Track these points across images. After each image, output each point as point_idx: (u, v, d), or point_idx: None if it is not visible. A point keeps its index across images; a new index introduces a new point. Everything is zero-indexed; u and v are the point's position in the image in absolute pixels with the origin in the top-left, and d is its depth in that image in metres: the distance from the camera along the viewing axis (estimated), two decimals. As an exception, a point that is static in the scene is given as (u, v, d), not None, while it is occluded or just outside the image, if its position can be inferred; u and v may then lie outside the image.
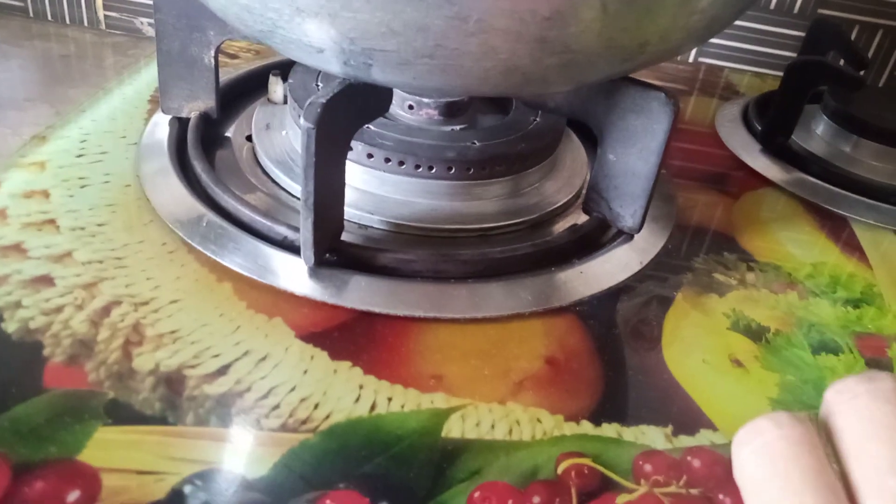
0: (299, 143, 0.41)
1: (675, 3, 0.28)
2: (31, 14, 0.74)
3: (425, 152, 0.38)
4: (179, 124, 0.42)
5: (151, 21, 0.69)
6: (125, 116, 0.45)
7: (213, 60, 0.41)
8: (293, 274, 0.34)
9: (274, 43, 0.31)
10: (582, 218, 0.40)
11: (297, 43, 0.29)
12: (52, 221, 0.36)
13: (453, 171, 0.38)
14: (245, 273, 0.34)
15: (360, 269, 0.35)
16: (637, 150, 0.36)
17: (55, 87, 0.66)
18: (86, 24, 0.74)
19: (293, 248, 0.35)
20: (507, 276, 0.35)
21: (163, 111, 0.42)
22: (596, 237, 0.40)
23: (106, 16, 0.73)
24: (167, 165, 0.39)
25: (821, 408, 0.22)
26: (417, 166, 0.38)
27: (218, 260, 0.34)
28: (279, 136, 0.42)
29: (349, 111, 0.32)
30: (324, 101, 0.30)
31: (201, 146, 0.41)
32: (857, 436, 0.21)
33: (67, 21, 0.74)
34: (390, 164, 0.38)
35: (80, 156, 0.41)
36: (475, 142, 0.39)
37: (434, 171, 0.38)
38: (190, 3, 0.39)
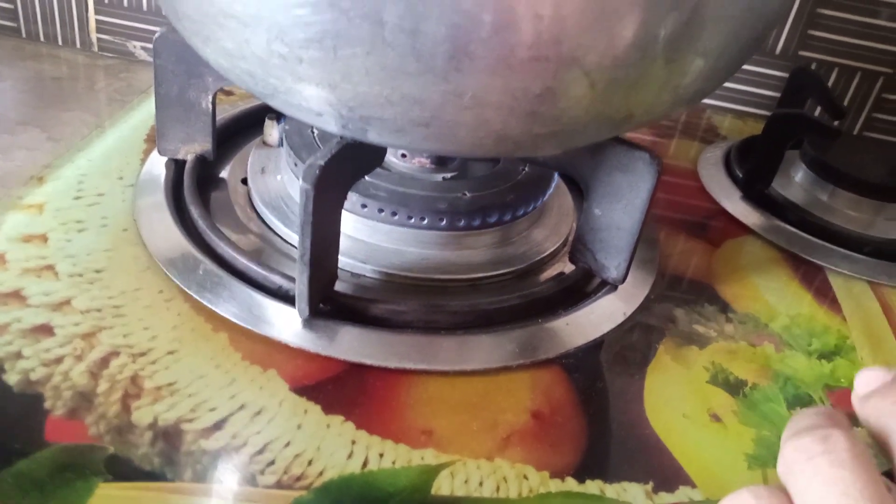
0: (294, 188, 0.42)
1: (660, 80, 0.29)
2: (24, 34, 0.74)
3: (418, 204, 0.39)
4: (176, 166, 0.43)
5: (144, 45, 0.70)
6: (121, 156, 0.46)
7: (210, 105, 0.42)
8: (287, 324, 0.35)
9: (274, 104, 0.32)
10: (568, 266, 0.42)
11: (296, 106, 0.31)
12: (50, 267, 0.36)
13: (445, 221, 0.39)
14: (240, 323, 0.35)
15: (352, 319, 0.36)
16: (622, 205, 0.38)
17: (47, 110, 0.66)
18: (78, 45, 0.74)
19: (288, 298, 0.36)
20: (495, 328, 0.37)
21: (159, 153, 0.43)
22: (581, 286, 0.41)
23: (98, 38, 0.73)
24: (164, 211, 0.40)
25: (779, 459, 0.23)
26: (410, 217, 0.39)
27: (213, 309, 0.35)
28: (274, 180, 0.43)
29: (346, 168, 0.33)
30: (322, 163, 0.31)
31: (197, 189, 0.41)
32: (815, 500, 0.22)
33: (60, 42, 0.74)
34: (383, 214, 0.39)
35: (77, 198, 0.41)
36: (466, 192, 0.40)
37: (426, 221, 0.39)
38: (189, 50, 0.40)
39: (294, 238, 0.40)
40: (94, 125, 0.63)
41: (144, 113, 0.51)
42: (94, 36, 0.73)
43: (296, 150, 0.41)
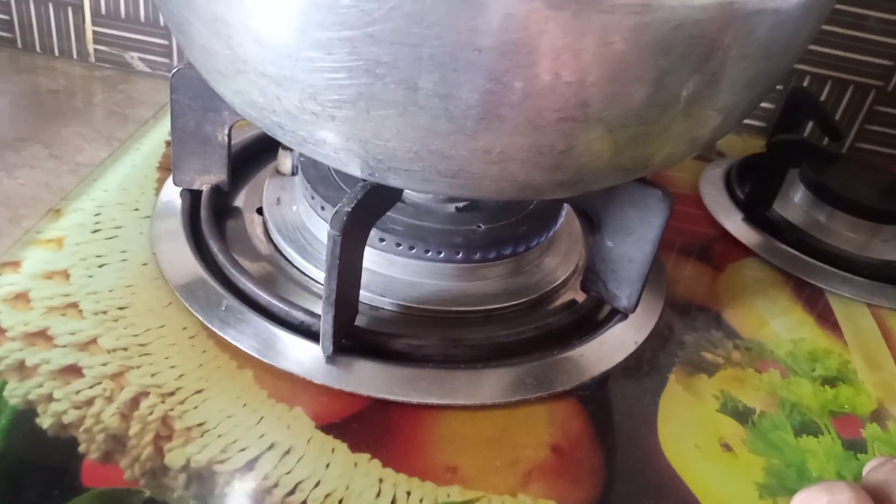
0: (310, 220, 0.42)
1: (680, 132, 0.30)
2: (20, 45, 0.74)
3: (434, 237, 0.39)
4: (191, 196, 0.44)
5: (142, 56, 0.70)
6: (136, 186, 0.46)
7: (226, 138, 0.42)
8: (311, 361, 0.36)
9: (301, 150, 0.33)
10: (580, 294, 0.43)
11: (324, 155, 0.31)
12: (74, 305, 0.37)
13: (460, 254, 0.40)
14: (264, 360, 0.35)
15: (373, 353, 0.36)
16: (634, 239, 0.39)
17: (47, 125, 0.66)
18: (75, 56, 0.74)
19: (310, 333, 0.36)
20: (511, 360, 0.38)
21: (175, 184, 0.44)
22: (593, 315, 0.42)
23: (95, 49, 0.73)
24: (183, 244, 0.41)
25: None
26: (427, 251, 0.40)
27: (237, 345, 0.36)
28: (290, 211, 0.44)
29: (370, 210, 0.34)
30: (350, 209, 0.31)
31: (214, 221, 0.42)
32: None
33: (56, 53, 0.74)
34: (401, 247, 0.39)
35: (95, 231, 0.42)
36: (480, 225, 0.41)
37: (442, 255, 0.40)
38: (207, 87, 0.40)
39: (311, 270, 0.41)
40: (94, 140, 0.63)
41: (155, 140, 0.52)
42: (91, 47, 0.73)
43: (312, 182, 0.42)
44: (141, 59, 0.71)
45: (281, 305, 0.37)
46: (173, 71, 0.40)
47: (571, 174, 0.30)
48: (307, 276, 0.41)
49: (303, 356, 0.36)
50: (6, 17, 0.72)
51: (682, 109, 0.28)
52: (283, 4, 0.26)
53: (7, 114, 0.66)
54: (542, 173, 0.30)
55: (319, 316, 0.34)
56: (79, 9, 0.70)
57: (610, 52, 0.25)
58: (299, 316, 0.37)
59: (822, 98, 0.66)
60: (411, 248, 0.39)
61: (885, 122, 0.69)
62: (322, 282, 0.39)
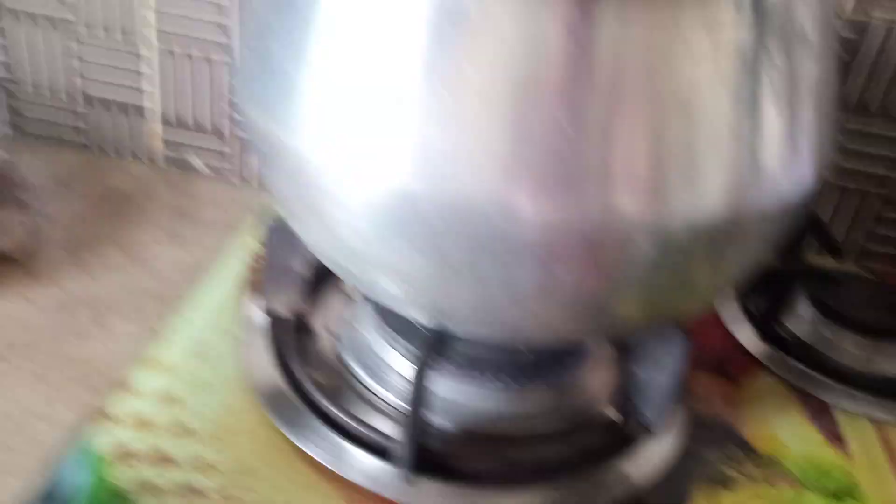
0: (378, 345, 0.48)
1: (706, 288, 0.37)
2: (91, 148, 0.80)
3: (489, 365, 0.46)
4: (277, 322, 0.50)
5: (206, 161, 0.76)
6: (227, 311, 0.53)
7: (312, 273, 0.49)
8: (393, 484, 0.41)
9: (371, 297, 0.39)
10: (612, 410, 0.49)
11: (398, 309, 0.38)
12: (190, 430, 0.42)
13: (511, 378, 0.46)
14: (364, 485, 0.41)
15: (437, 472, 0.42)
16: (659, 367, 0.45)
17: (121, 228, 0.72)
18: (143, 159, 0.81)
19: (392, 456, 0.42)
20: (559, 481, 0.43)
21: (264, 312, 0.50)
22: (628, 433, 0.48)
23: (164, 153, 0.79)
24: (275, 373, 0.47)
25: None
26: (482, 374, 0.46)
27: (337, 472, 0.41)
28: (360, 335, 0.50)
29: (440, 349, 0.40)
30: (429, 362, 0.38)
31: (296, 344, 0.48)
32: None
33: (125, 156, 0.80)
34: (460, 373, 0.45)
35: (198, 355, 0.48)
36: (530, 355, 0.47)
37: (495, 378, 0.46)
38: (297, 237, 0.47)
39: (382, 392, 0.47)
40: (165, 241, 0.69)
41: (237, 263, 0.58)
42: (158, 150, 0.79)
43: (381, 312, 0.48)
44: (206, 164, 0.78)
45: (377, 438, 0.43)
46: (269, 226, 0.47)
47: (607, 328, 0.37)
48: (380, 397, 0.47)
49: (390, 480, 0.41)
50: (82, 126, 0.79)
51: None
52: (368, 212, 0.33)
53: (84, 215, 0.72)
54: (584, 328, 0.37)
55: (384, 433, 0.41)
56: (144, 114, 0.76)
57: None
58: (391, 445, 0.42)
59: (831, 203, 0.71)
60: (469, 373, 0.45)
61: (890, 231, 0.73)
62: (388, 400, 0.45)
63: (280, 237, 0.47)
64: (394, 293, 0.37)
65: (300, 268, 0.49)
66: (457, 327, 0.38)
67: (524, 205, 0.30)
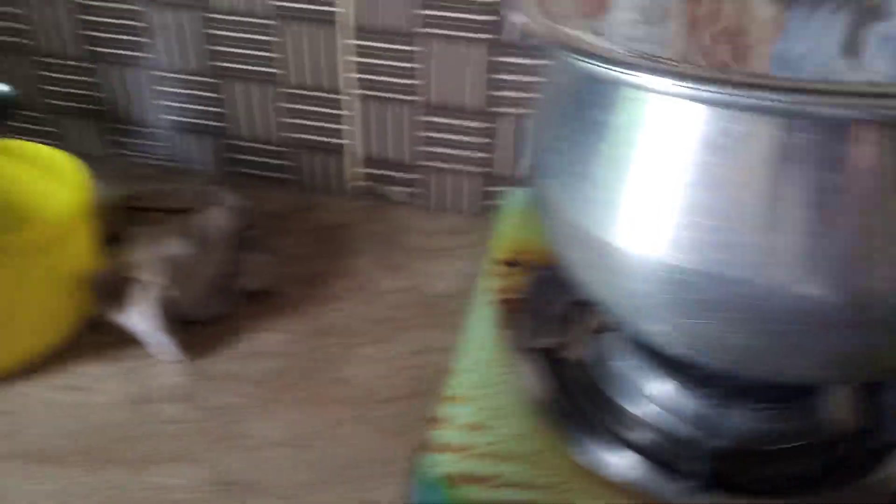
0: (635, 373, 0.55)
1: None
2: (295, 185, 0.88)
3: (753, 390, 0.52)
4: (543, 355, 0.56)
5: (401, 188, 0.83)
6: (491, 346, 0.58)
7: (572, 311, 0.56)
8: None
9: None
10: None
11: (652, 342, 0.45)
12: (496, 454, 0.50)
13: (770, 401, 0.52)
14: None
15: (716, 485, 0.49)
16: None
17: (340, 259, 0.78)
18: (342, 192, 0.88)
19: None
20: (817, 492, 0.49)
21: (527, 351, 0.57)
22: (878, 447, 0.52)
23: (363, 186, 0.86)
24: (555, 402, 0.53)
25: None
26: (746, 399, 0.52)
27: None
28: (615, 366, 0.56)
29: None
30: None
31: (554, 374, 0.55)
32: None
33: (326, 190, 0.87)
34: (722, 399, 0.52)
35: (484, 387, 0.54)
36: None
37: (759, 403, 0.52)
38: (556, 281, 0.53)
39: (637, 414, 0.53)
40: (381, 268, 0.75)
41: (484, 298, 0.63)
42: (352, 182, 0.87)
43: (638, 346, 0.54)
44: (400, 191, 0.85)
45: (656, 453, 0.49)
46: (538, 275, 0.54)
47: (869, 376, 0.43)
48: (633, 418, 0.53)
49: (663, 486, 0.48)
50: (293, 164, 0.87)
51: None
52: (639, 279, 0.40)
53: (301, 251, 0.79)
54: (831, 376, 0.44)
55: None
56: (344, 151, 0.84)
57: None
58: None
59: None
60: (731, 399, 0.52)
61: None
62: (648, 421, 0.52)
63: (545, 280, 0.55)
64: (660, 339, 0.44)
65: (558, 307, 0.56)
66: (712, 364, 0.45)
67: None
